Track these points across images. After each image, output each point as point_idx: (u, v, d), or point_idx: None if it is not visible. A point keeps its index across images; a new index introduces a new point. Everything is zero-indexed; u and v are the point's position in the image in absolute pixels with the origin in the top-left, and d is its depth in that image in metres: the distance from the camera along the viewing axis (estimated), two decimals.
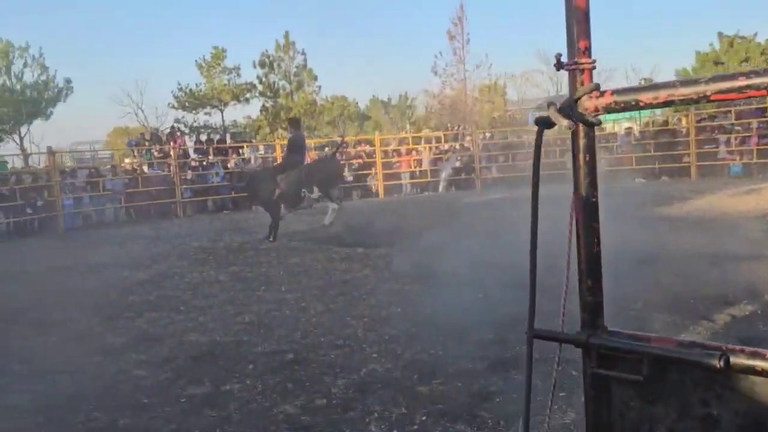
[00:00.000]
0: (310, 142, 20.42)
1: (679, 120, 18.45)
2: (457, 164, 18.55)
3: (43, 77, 26.70)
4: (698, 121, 16.74)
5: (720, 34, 23.83)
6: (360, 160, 18.55)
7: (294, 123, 11.29)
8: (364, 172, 18.46)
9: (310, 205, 10.57)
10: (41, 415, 3.46)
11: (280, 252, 8.63)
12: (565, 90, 1.20)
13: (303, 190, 10.06)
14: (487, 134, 20.01)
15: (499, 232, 8.05)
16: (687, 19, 46.40)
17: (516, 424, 2.89)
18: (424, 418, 3.23)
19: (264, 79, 30.63)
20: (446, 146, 19.25)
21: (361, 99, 42.47)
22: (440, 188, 18.45)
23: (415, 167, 18.73)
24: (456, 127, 21.65)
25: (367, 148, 19.04)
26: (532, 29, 46.54)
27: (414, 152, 19.07)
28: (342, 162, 13.68)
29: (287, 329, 4.96)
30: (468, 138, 19.27)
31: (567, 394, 3.23)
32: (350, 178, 18.04)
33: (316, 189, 10.21)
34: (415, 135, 22.05)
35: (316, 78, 31.69)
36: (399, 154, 19.02)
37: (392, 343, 4.46)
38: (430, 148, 19.27)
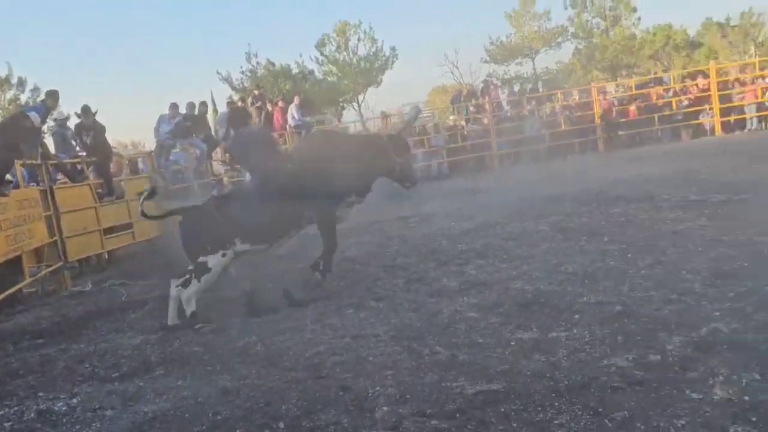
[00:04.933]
0: (630, 82, 18.93)
1: None
2: None
3: (373, 49, 30.06)
4: None
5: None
6: (690, 96, 16.50)
7: None
8: (695, 108, 16.39)
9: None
10: (397, 345, 4.04)
11: (601, 202, 8.29)
12: None
13: None
14: None
15: None
16: None
17: None
18: None
19: (576, 20, 29.26)
20: None
21: (692, 24, 37.34)
22: None
23: (763, 98, 15.89)
24: None
25: (700, 81, 16.77)
26: None
27: (761, 80, 16.17)
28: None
29: (613, 281, 4.79)
30: None
31: None
32: (680, 117, 16.26)
33: None
34: (764, 59, 18.64)
35: (634, 10, 29.02)
36: (742, 84, 16.33)
37: (739, 302, 3.96)
38: None
